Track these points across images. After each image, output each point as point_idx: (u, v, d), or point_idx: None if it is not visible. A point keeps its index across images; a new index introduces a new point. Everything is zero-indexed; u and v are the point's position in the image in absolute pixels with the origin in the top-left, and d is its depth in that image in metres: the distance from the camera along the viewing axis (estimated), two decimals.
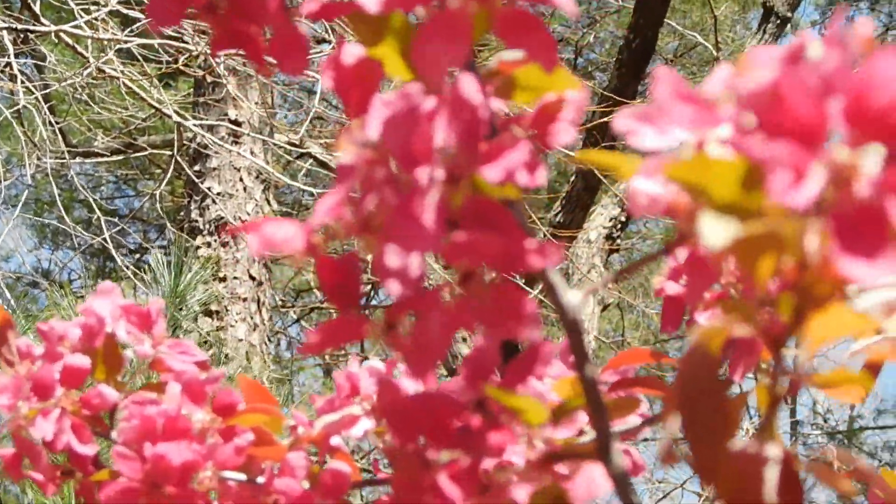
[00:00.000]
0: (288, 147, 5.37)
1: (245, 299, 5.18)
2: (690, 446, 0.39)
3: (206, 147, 5.12)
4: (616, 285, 5.97)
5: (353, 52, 0.50)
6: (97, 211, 4.53)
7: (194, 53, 4.53)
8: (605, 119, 4.93)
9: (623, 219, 6.15)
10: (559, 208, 5.66)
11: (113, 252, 4.51)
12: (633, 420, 0.70)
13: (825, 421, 8.97)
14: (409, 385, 0.56)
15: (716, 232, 0.37)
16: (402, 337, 0.47)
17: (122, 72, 4.48)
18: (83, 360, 0.71)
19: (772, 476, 0.39)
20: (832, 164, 0.36)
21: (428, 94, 0.45)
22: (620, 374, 0.72)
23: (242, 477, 0.69)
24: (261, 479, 0.69)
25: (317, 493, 0.68)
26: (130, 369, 0.76)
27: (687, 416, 0.39)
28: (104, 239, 4.50)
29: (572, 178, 5.69)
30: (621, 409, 0.70)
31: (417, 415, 0.50)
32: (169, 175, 4.70)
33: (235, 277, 5.19)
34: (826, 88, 0.36)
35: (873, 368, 0.72)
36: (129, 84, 4.52)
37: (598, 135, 5.15)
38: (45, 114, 4.36)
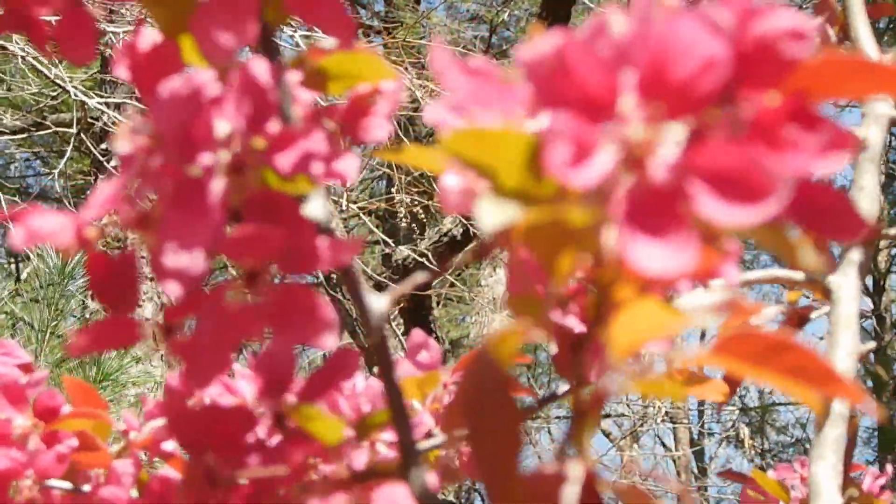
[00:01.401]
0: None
1: (152, 279, 5.08)
2: (477, 464, 0.34)
3: (113, 125, 5.03)
4: None
5: (149, 37, 0.45)
6: None
7: (100, 31, 4.43)
8: None
9: None
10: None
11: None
12: None
13: (740, 398, 9.07)
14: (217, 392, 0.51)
15: (491, 215, 0.33)
16: (182, 342, 0.43)
17: (23, 49, 4.38)
18: None
19: (570, 498, 0.35)
20: (624, 140, 0.32)
21: (217, 79, 0.41)
22: None
23: (67, 485, 0.65)
24: (86, 488, 0.65)
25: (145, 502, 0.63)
26: None
27: (472, 430, 0.35)
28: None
29: None
30: None
31: (205, 428, 0.45)
32: (69, 153, 4.60)
33: (143, 256, 5.10)
34: (618, 58, 0.32)
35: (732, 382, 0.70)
36: (33, 62, 4.42)
37: None
38: None
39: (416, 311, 5.47)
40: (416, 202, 5.28)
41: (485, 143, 0.33)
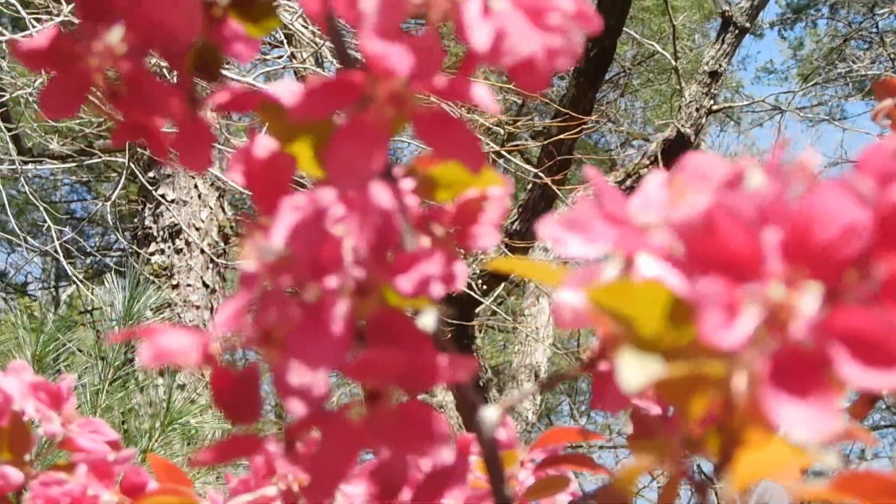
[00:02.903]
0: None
1: (198, 307, 5.14)
2: None
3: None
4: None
5: (265, 145, 0.47)
6: (48, 219, 4.48)
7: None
8: (562, 136, 4.90)
9: None
10: (516, 216, 5.63)
11: (63, 262, 4.45)
12: (562, 499, 0.68)
13: None
14: None
15: (633, 373, 0.35)
16: (303, 456, 0.44)
17: None
18: None
19: None
20: (767, 301, 0.33)
21: (340, 200, 0.43)
22: (549, 453, 0.70)
23: None
24: None
25: None
26: (41, 448, 0.73)
27: None
28: (54, 248, 4.45)
29: (529, 187, 5.67)
30: (550, 487, 0.67)
31: None
32: (122, 182, 4.65)
33: (189, 284, 5.15)
34: (763, 220, 0.33)
35: None
36: None
37: (554, 149, 5.13)
38: None
39: (458, 340, 5.47)
40: None
41: (628, 296, 0.35)
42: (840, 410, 0.32)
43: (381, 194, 0.42)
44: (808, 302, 0.33)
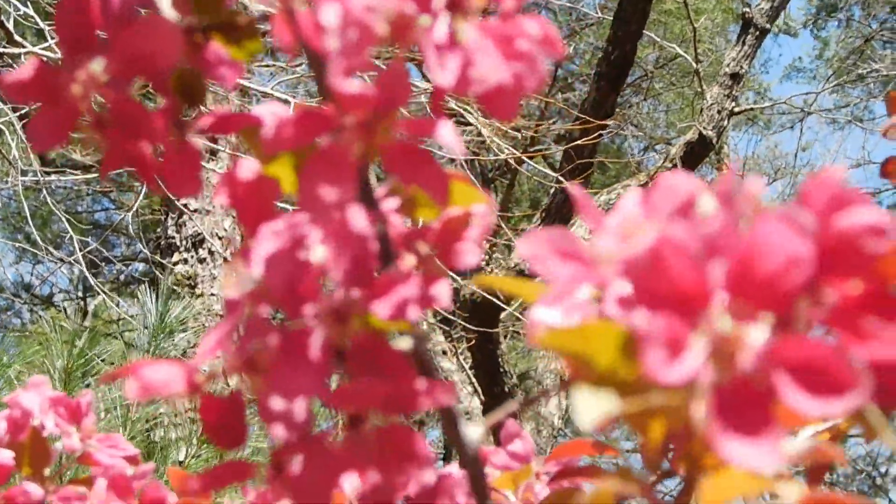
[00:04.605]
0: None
1: (222, 316, 5.14)
2: None
3: None
4: None
5: (249, 167, 0.47)
6: (70, 230, 4.50)
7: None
8: (583, 140, 4.90)
9: None
10: (539, 220, 5.63)
11: (86, 272, 4.47)
12: None
13: None
14: None
15: (587, 409, 0.35)
16: (287, 479, 0.45)
17: None
18: (6, 456, 0.69)
19: None
20: (714, 335, 0.34)
21: (314, 225, 0.43)
22: (563, 465, 0.70)
23: None
24: None
25: None
26: (60, 462, 0.74)
27: None
28: (75, 259, 4.47)
29: (553, 191, 5.67)
30: (564, 499, 0.68)
31: None
32: (144, 191, 4.66)
33: (213, 294, 5.17)
34: (709, 253, 0.34)
35: None
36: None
37: (575, 154, 5.13)
38: (19, 132, 4.32)
39: (483, 345, 5.48)
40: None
41: (582, 335, 0.35)
42: (784, 443, 0.32)
43: (356, 220, 0.42)
44: (755, 334, 0.33)
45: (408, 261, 0.48)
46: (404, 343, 0.44)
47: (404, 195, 0.49)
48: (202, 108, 0.49)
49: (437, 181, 0.43)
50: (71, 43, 0.45)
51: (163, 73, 0.46)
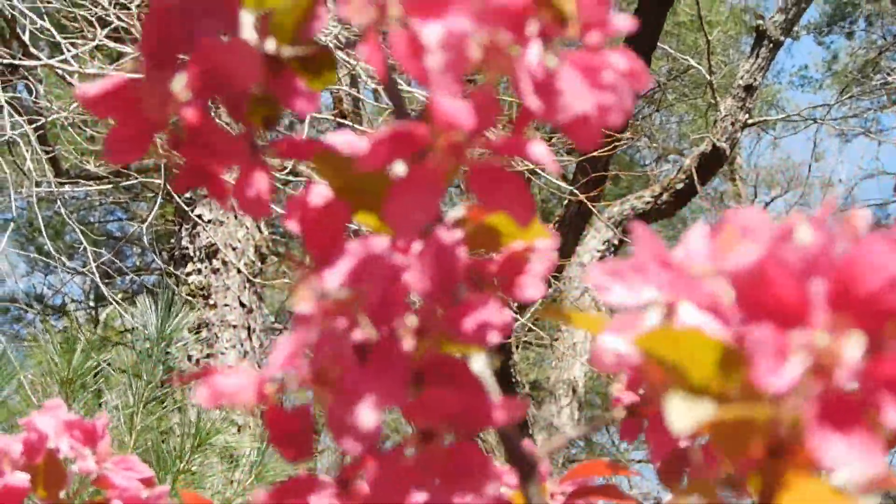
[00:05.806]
0: (280, 169, 5.36)
1: (235, 326, 5.16)
2: None
3: None
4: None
5: (320, 193, 0.48)
6: (83, 241, 4.51)
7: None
8: (596, 152, 4.90)
9: (616, 242, 6.15)
10: (552, 231, 5.63)
11: (99, 282, 4.48)
12: None
13: None
14: None
15: (683, 416, 0.36)
16: (357, 495, 0.45)
17: None
18: (22, 479, 0.70)
19: None
20: (813, 348, 0.35)
21: (397, 246, 0.44)
22: (578, 485, 0.71)
23: None
24: None
25: None
26: (75, 485, 0.75)
27: None
28: (90, 270, 4.48)
29: (566, 203, 5.68)
30: None
31: None
32: (158, 202, 4.67)
33: (226, 304, 5.18)
34: (810, 271, 0.35)
35: None
36: None
37: (589, 165, 5.13)
38: (34, 144, 4.34)
39: (496, 355, 5.47)
40: None
41: (676, 343, 0.36)
42: (884, 452, 0.33)
43: (447, 239, 0.43)
44: (851, 349, 0.34)
45: (474, 288, 0.48)
46: (480, 365, 0.45)
47: (469, 227, 0.49)
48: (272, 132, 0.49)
49: (522, 202, 0.44)
50: (154, 59, 0.46)
51: (239, 96, 0.46)
